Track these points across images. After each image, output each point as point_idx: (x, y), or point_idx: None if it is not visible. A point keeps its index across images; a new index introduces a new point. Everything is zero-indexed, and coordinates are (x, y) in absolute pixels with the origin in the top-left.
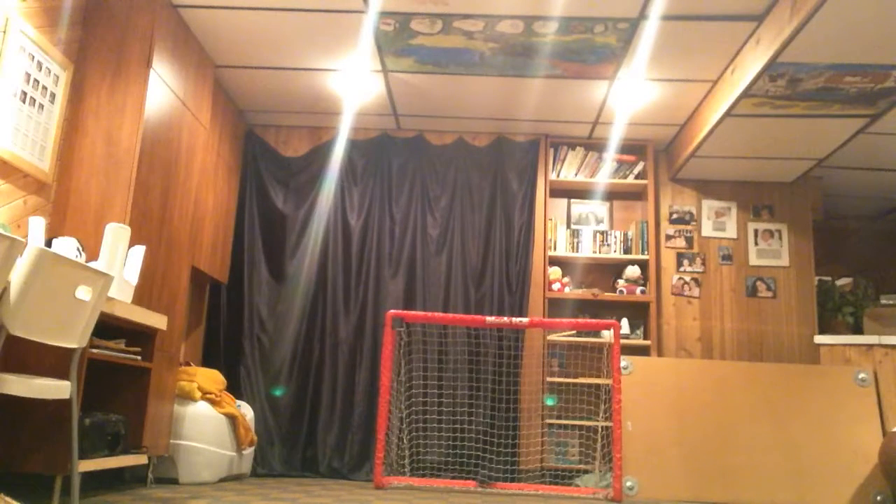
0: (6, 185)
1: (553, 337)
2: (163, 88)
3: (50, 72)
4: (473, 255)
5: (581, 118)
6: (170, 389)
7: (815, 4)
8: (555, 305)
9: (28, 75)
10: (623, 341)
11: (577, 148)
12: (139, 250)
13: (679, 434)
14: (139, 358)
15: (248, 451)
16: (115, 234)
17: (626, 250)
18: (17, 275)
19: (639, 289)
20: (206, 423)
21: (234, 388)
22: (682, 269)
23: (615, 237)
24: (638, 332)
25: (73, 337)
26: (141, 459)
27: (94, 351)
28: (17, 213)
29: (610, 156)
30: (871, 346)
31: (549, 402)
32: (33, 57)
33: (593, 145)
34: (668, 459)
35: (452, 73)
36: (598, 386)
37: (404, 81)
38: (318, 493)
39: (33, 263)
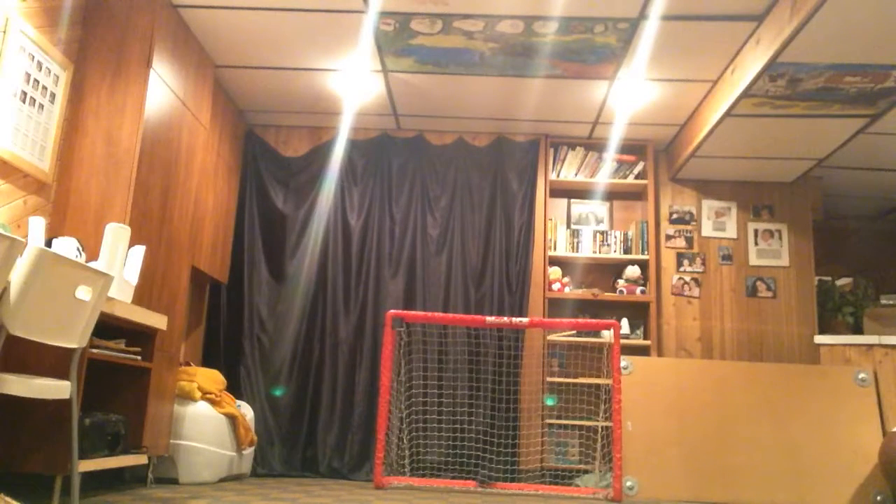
0: (6, 185)
1: (553, 337)
2: (163, 88)
3: (50, 72)
4: (473, 255)
5: (581, 118)
6: (170, 389)
7: (815, 4)
8: (555, 305)
9: (28, 75)
10: (623, 341)
11: (577, 148)
12: (139, 250)
13: (679, 434)
14: (139, 358)
15: (248, 451)
16: (115, 234)
17: (626, 250)
18: (17, 275)
19: (639, 289)
20: (206, 423)
21: (234, 388)
22: (682, 269)
23: (615, 237)
24: (638, 332)
25: (73, 337)
26: (141, 459)
27: (94, 351)
28: (17, 213)
29: (610, 156)
30: (871, 346)
31: (549, 402)
32: (33, 57)
33: (593, 145)
34: (668, 459)
35: (452, 73)
36: (598, 386)
37: (404, 81)
38: (318, 493)
39: (33, 263)
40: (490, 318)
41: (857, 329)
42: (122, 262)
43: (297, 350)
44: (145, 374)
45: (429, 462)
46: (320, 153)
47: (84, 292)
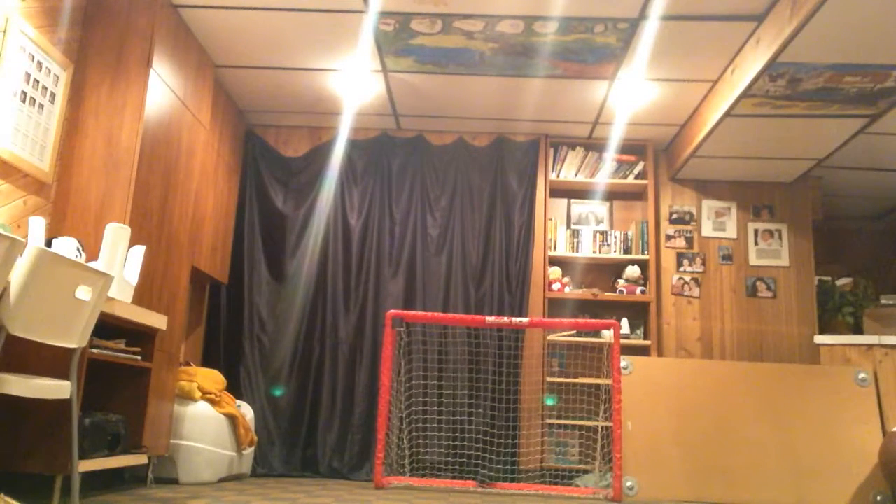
0: (6, 185)
1: (553, 337)
2: (163, 88)
3: (50, 72)
4: (473, 255)
5: (581, 118)
6: (170, 389)
7: (815, 4)
8: (555, 305)
9: (28, 75)
10: (623, 341)
11: (577, 148)
12: (139, 250)
13: (679, 434)
14: (139, 358)
15: (248, 451)
16: (115, 234)
17: (626, 250)
18: (17, 275)
19: (639, 289)
20: (206, 423)
21: (234, 388)
22: (682, 269)
23: (615, 237)
24: (638, 332)
25: (73, 337)
26: (141, 459)
27: (94, 351)
28: (17, 213)
29: (610, 156)
30: (871, 346)
31: (549, 402)
32: (33, 57)
33: (593, 145)
34: (668, 459)
35: (452, 73)
36: (598, 386)
37: (404, 81)
38: (318, 493)
39: (33, 263)
40: (490, 318)
41: (857, 329)
42: (122, 262)
43: (297, 350)
44: (145, 374)
45: (429, 462)
46: (320, 153)
47: (84, 292)
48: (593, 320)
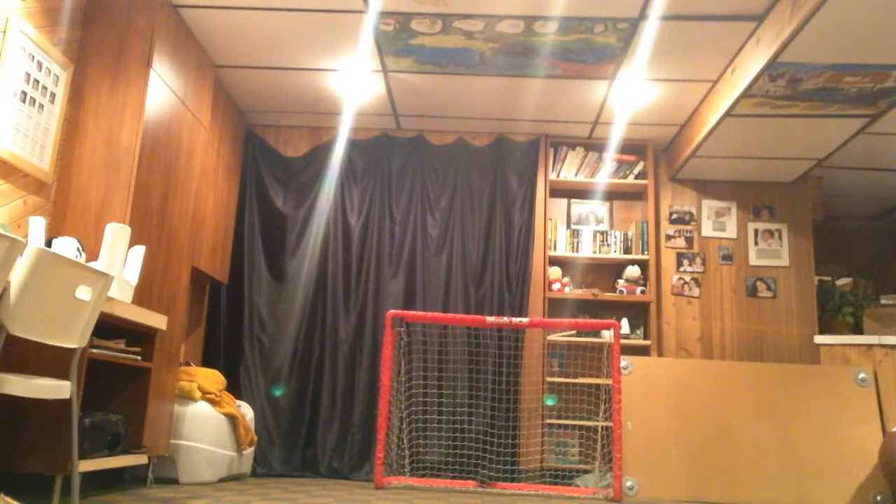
0: (6, 185)
1: (553, 337)
2: (163, 88)
3: (50, 72)
4: (473, 255)
5: (581, 118)
6: (170, 389)
7: (815, 4)
8: (555, 305)
9: (28, 75)
10: (623, 341)
11: (577, 148)
12: (139, 250)
13: (679, 434)
14: (139, 358)
15: (248, 451)
16: (115, 234)
17: (626, 250)
18: (17, 275)
19: (639, 289)
20: (206, 423)
21: (234, 388)
22: (682, 269)
23: (615, 237)
24: (638, 332)
25: (73, 337)
26: (141, 459)
27: (94, 351)
28: (17, 213)
29: (610, 156)
30: (871, 346)
31: (549, 402)
32: (33, 57)
33: (593, 145)
34: (668, 459)
35: (452, 73)
36: (598, 386)
37: (404, 81)
38: (318, 493)
39: (33, 263)
40: (490, 318)
41: (857, 329)
42: (122, 262)
43: (297, 350)
44: (145, 374)
45: (429, 462)
46: (320, 153)
47: (84, 292)
48: (593, 320)
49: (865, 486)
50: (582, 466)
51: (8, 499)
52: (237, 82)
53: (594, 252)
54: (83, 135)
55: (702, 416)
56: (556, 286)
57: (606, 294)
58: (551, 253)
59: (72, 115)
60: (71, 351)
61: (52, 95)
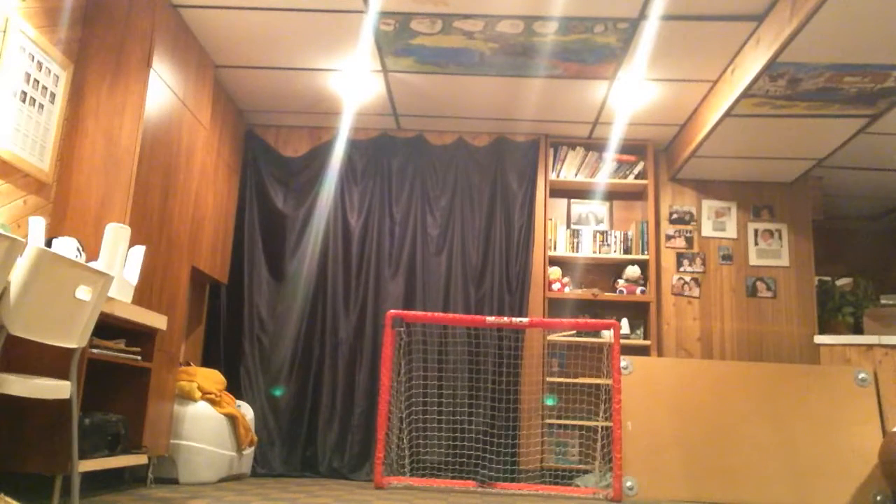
0: (6, 185)
1: (553, 337)
2: (163, 88)
3: (50, 72)
4: (473, 255)
5: (581, 118)
6: (170, 389)
7: (815, 4)
8: (555, 305)
9: (28, 75)
10: (623, 341)
11: (577, 148)
12: (139, 250)
13: (679, 434)
14: (139, 358)
15: (248, 451)
16: (115, 234)
17: (626, 250)
18: (17, 275)
19: (639, 289)
20: (206, 423)
21: (234, 388)
22: (682, 269)
23: (615, 237)
24: (638, 332)
25: (73, 337)
26: (141, 459)
27: (94, 351)
28: (17, 213)
29: (610, 156)
30: (871, 346)
31: (549, 402)
32: (33, 57)
33: (593, 145)
34: (668, 459)
35: (452, 73)
36: (598, 386)
37: (404, 81)
38: (318, 493)
39: (33, 263)
40: (490, 318)
41: (857, 329)
42: (122, 262)
43: (297, 350)
44: (145, 374)
45: (429, 462)
46: (320, 153)
47: (84, 292)
48: (593, 320)
49: (865, 486)
50: (582, 466)
51: (8, 499)
52: (237, 82)
53: (594, 252)
54: (83, 135)
55: (702, 416)
56: (556, 286)
57: (606, 294)
58: (551, 253)
59: (72, 115)
60: (71, 351)
61: (52, 95)
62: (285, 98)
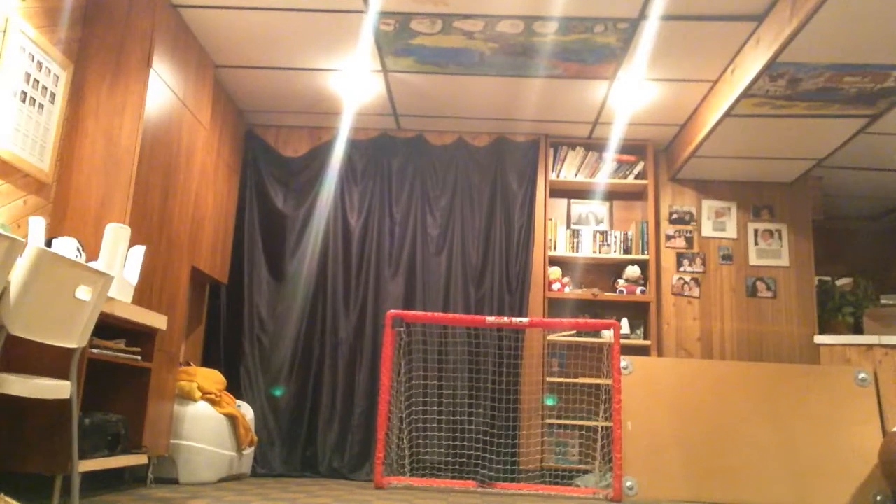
0: (6, 185)
1: (553, 337)
2: (163, 88)
3: (50, 72)
4: (473, 255)
5: (581, 118)
6: (170, 389)
7: (815, 4)
8: (555, 305)
9: (28, 75)
10: (623, 341)
11: (577, 148)
12: (139, 250)
13: (679, 434)
14: (139, 358)
15: (248, 451)
16: (115, 234)
17: (626, 250)
18: (17, 275)
19: (639, 289)
20: (206, 423)
21: (234, 388)
22: (682, 269)
23: (615, 237)
24: (638, 332)
25: (73, 337)
26: (141, 459)
27: (94, 351)
28: (17, 213)
29: (610, 156)
30: (871, 346)
31: (549, 402)
32: (33, 57)
33: (593, 145)
34: (668, 459)
35: (452, 73)
36: (598, 386)
37: (404, 81)
38: (318, 493)
39: (33, 263)
40: (490, 318)
41: (857, 329)
42: (122, 262)
43: (297, 350)
44: (145, 374)
45: (429, 462)
46: (320, 153)
47: (84, 292)
48: (593, 320)
49: (865, 486)
50: (582, 466)
51: (8, 499)
52: (237, 82)
53: (594, 252)
54: (83, 135)
55: (702, 416)
56: (556, 286)
57: (606, 294)
58: (551, 253)
59: (72, 115)
60: (71, 351)
61: (52, 95)
62: (285, 98)
